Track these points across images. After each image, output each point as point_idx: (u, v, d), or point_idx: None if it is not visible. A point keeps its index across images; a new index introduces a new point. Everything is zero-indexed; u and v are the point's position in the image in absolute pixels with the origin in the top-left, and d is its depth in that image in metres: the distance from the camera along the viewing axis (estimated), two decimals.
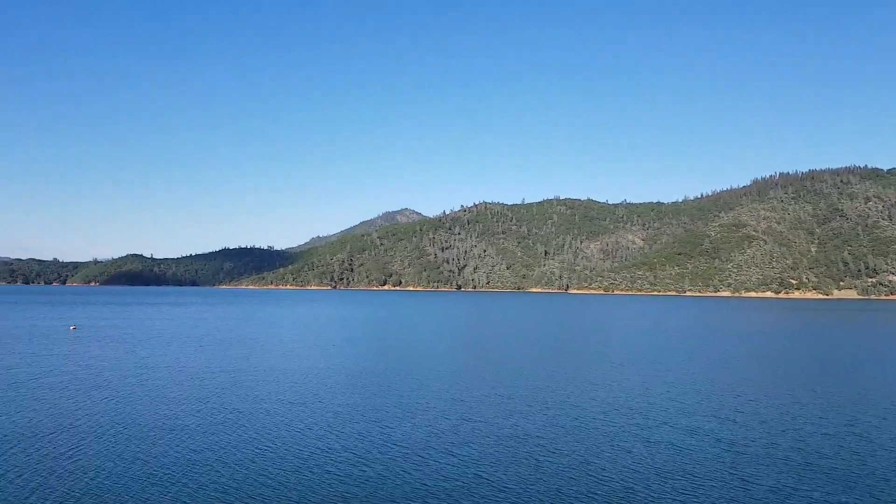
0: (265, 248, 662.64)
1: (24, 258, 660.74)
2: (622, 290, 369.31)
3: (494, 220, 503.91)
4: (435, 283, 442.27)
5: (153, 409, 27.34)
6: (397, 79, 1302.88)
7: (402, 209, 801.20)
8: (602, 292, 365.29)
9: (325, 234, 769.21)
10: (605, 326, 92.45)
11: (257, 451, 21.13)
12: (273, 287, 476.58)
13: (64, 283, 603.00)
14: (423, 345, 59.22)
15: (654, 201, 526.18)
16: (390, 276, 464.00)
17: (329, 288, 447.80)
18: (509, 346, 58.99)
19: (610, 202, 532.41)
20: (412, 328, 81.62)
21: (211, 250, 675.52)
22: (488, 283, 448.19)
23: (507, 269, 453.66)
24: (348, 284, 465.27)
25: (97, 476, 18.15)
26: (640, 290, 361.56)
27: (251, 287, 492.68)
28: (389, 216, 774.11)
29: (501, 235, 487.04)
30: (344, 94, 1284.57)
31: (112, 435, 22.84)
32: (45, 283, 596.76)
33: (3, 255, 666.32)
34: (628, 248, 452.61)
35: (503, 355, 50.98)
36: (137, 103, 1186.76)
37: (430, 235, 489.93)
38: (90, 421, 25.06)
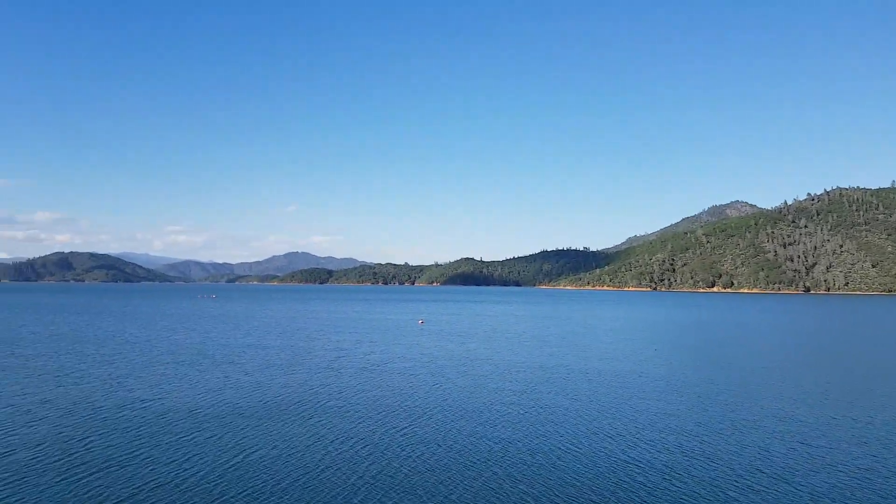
0: (581, 249, 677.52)
1: (383, 262, 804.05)
2: None
3: (854, 208, 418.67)
4: (775, 285, 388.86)
5: (474, 396, 30.53)
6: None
7: (731, 202, 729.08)
8: None
9: (642, 234, 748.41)
10: None
11: (552, 450, 21.79)
12: (589, 287, 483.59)
13: (413, 283, 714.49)
14: (760, 355, 52.83)
15: None
16: (719, 276, 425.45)
17: (648, 290, 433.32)
18: (885, 365, 48.42)
19: None
20: (748, 335, 73.53)
21: (531, 252, 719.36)
22: (846, 284, 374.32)
23: (873, 267, 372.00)
24: (670, 286, 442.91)
25: (435, 450, 21.27)
26: None
27: (568, 287, 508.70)
28: (717, 210, 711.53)
29: (864, 227, 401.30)
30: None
31: (437, 415, 26.37)
32: (399, 283, 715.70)
33: (370, 261, 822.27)
34: None
35: (871, 373, 42.12)
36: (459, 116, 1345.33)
37: (768, 230, 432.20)
38: (421, 401, 29.31)
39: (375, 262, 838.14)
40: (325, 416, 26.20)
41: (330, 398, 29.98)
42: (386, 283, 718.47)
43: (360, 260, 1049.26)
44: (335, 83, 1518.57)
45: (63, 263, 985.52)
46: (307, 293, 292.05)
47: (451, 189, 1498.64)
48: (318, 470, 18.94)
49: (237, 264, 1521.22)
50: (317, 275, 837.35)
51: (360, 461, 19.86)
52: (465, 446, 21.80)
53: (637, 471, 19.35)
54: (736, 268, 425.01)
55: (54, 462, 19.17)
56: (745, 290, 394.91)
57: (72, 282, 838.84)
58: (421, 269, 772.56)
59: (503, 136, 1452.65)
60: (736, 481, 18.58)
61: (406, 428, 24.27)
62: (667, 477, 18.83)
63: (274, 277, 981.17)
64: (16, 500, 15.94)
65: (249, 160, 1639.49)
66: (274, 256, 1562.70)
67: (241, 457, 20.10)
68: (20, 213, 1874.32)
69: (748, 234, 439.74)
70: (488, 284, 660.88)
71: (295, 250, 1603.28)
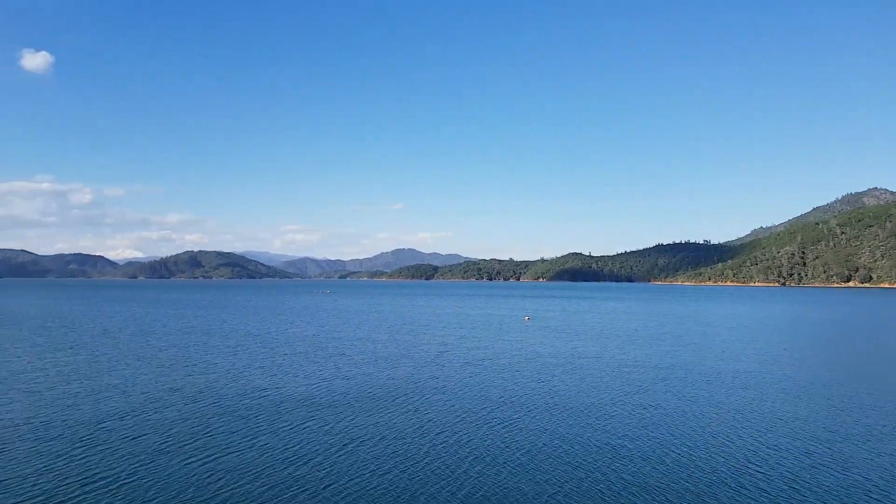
0: (701, 241, 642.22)
1: (487, 258, 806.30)
2: None
3: None
4: None
5: (580, 395, 29.83)
6: None
7: (869, 189, 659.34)
8: None
9: (769, 225, 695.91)
10: None
11: (666, 454, 20.75)
12: (710, 283, 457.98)
13: (518, 279, 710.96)
14: None
15: None
16: (856, 270, 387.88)
17: (776, 285, 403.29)
18: None
19: None
20: (889, 335, 66.42)
21: (645, 246, 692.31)
22: None
23: None
24: (800, 281, 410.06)
25: (533, 445, 21.09)
26: None
27: (686, 283, 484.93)
28: (852, 199, 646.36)
29: None
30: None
31: (541, 413, 26.04)
32: (504, 279, 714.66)
33: (474, 257, 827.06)
34: None
35: None
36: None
37: None
38: (525, 398, 29.06)
39: (480, 258, 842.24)
40: (430, 409, 26.73)
41: (434, 392, 30.55)
42: (490, 279, 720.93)
43: (464, 256, 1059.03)
44: (436, 82, 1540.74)
45: (193, 261, 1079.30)
46: (413, 288, 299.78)
47: (557, 181, 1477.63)
48: (422, 461, 19.36)
49: (349, 261, 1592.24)
50: (423, 271, 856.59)
51: (463, 455, 20.07)
52: (571, 446, 21.38)
53: (761, 478, 18.05)
54: (875, 261, 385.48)
55: (179, 446, 20.99)
56: (886, 285, 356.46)
57: (200, 278, 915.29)
58: (526, 264, 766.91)
59: (613, 121, 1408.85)
60: (870, 491, 16.88)
61: (509, 424, 24.20)
62: (793, 486, 17.42)
63: (382, 273, 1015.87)
64: (144, 482, 17.62)
65: (358, 160, 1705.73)
66: (382, 253, 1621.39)
67: (351, 445, 20.98)
68: (154, 215, 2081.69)
69: (889, 224, 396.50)
70: (598, 280, 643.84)
71: (402, 247, 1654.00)
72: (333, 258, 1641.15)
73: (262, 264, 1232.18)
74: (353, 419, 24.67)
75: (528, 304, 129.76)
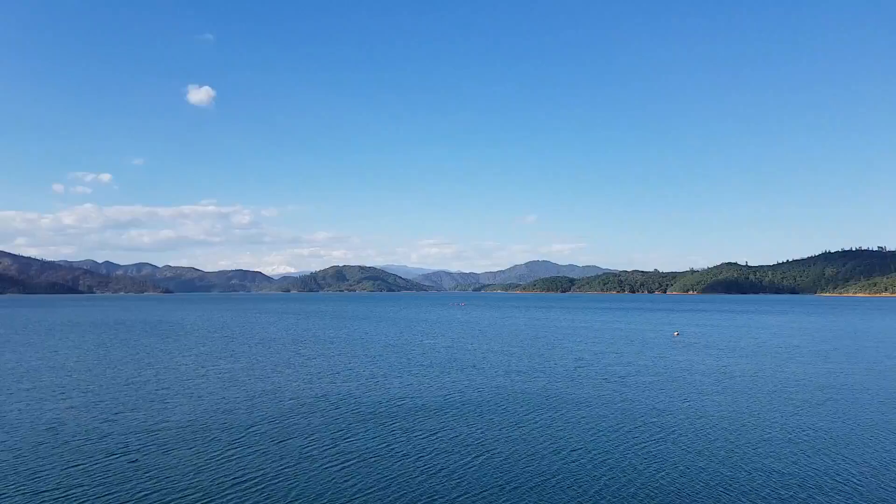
0: (875, 248, 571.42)
1: (629, 269, 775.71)
2: None
3: None
4: None
5: (730, 416, 27.53)
6: None
7: None
8: None
9: None
10: None
11: (835, 485, 18.47)
12: (887, 294, 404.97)
13: (664, 291, 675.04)
14: None
15: None
16: None
17: None
18: None
19: None
20: None
21: (809, 255, 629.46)
22: None
23: None
24: None
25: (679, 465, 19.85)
26: None
27: (859, 294, 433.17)
28: None
29: None
30: None
31: (687, 433, 24.38)
32: (648, 291, 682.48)
33: (613, 268, 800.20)
34: None
35: None
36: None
37: None
38: (668, 418, 27.37)
39: (621, 269, 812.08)
40: (565, 424, 26.15)
41: (569, 407, 29.86)
42: (633, 292, 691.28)
43: (603, 267, 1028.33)
44: (572, 90, 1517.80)
45: (338, 275, 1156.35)
46: (548, 301, 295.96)
47: (706, 186, 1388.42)
48: (555, 477, 18.99)
49: (482, 273, 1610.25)
50: (558, 283, 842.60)
51: (599, 474, 19.40)
52: (725, 469, 19.84)
53: None
54: None
55: (322, 450, 22.39)
56: None
57: (345, 291, 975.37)
58: (673, 276, 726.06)
59: (767, 114, 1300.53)
60: None
61: (648, 444, 23.01)
62: None
63: (516, 286, 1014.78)
64: (289, 483, 18.99)
65: (490, 173, 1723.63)
66: (516, 265, 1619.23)
67: (481, 458, 21.12)
68: (305, 233, 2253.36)
69: None
70: (755, 292, 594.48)
71: (536, 259, 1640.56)
72: (467, 271, 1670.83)
73: (401, 277, 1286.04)
74: (484, 431, 24.80)
75: (677, 319, 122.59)
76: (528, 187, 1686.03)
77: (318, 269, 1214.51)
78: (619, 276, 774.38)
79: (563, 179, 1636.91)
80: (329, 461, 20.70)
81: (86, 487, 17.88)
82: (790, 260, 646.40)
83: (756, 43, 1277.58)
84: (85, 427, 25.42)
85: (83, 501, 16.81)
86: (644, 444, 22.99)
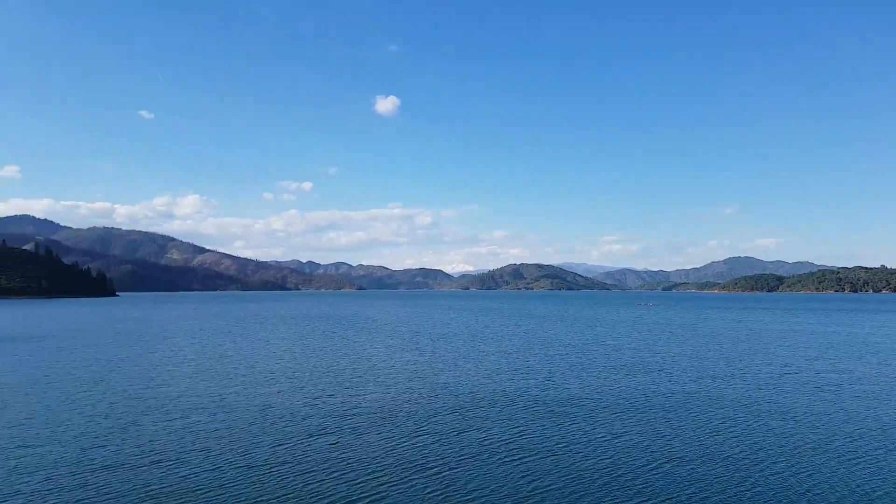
0: None
1: (849, 266, 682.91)
2: None
3: None
4: None
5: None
6: None
7: None
8: None
9: None
10: None
11: None
12: None
13: (894, 291, 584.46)
14: None
15: None
16: None
17: None
18: None
19: None
20: None
21: None
22: None
23: None
24: None
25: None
26: None
27: None
28: None
29: None
30: None
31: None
32: (873, 290, 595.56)
33: (831, 265, 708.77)
34: None
35: None
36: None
37: None
38: (887, 431, 23.70)
39: (840, 266, 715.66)
40: (766, 434, 23.80)
41: (770, 416, 27.09)
42: (855, 291, 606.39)
43: (818, 264, 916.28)
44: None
45: (516, 273, 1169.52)
46: (751, 301, 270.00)
47: None
48: (755, 489, 17.39)
49: (672, 271, 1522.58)
50: (763, 281, 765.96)
51: (804, 489, 17.38)
52: None
53: None
54: None
55: (499, 444, 22.94)
56: None
57: (522, 289, 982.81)
58: None
59: None
60: None
61: (867, 458, 20.06)
62: None
63: (714, 285, 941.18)
64: (467, 473, 19.64)
65: (679, 162, 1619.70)
66: (712, 262, 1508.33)
67: (668, 465, 20.08)
68: (482, 233, 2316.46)
69: None
70: None
71: (736, 255, 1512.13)
72: (655, 269, 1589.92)
73: (580, 276, 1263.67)
74: (672, 439, 23.48)
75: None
76: (725, 174, 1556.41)
77: (495, 268, 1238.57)
78: (838, 273, 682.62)
79: (770, 163, 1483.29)
80: (506, 455, 21.06)
81: (290, 465, 20.11)
82: None
83: None
84: (290, 410, 28.61)
85: (288, 477, 18.94)
86: (863, 459, 20.12)
